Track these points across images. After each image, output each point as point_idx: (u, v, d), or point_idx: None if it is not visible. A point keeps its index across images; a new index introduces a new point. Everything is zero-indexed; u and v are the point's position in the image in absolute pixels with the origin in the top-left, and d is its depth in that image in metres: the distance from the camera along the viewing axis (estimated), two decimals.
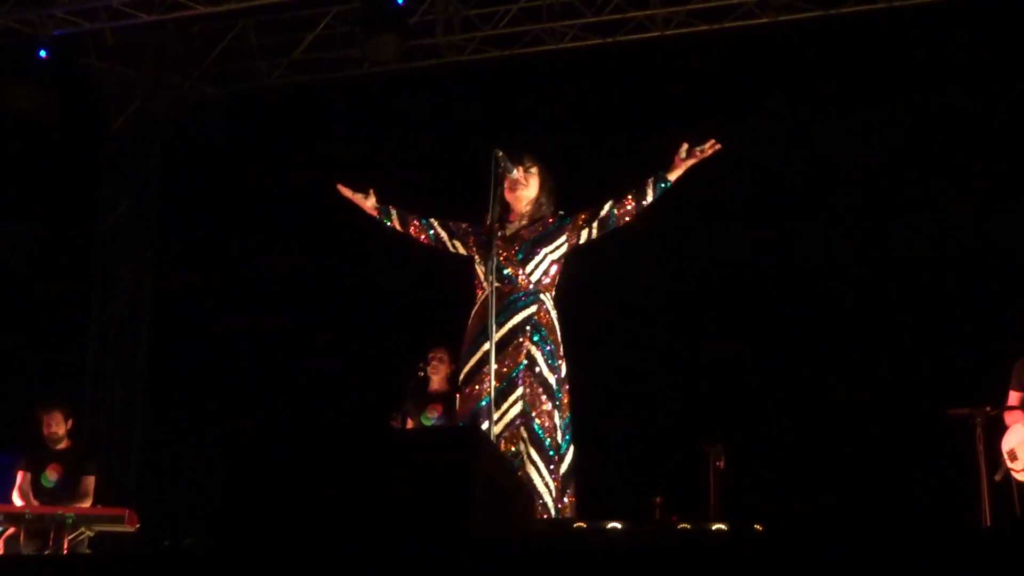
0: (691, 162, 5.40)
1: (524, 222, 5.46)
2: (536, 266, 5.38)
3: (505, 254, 5.36)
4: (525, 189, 5.44)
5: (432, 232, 5.62)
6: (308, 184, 8.99)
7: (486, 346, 5.15)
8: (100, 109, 10.06)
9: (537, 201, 5.48)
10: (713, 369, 8.33)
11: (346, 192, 5.71)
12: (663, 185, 5.40)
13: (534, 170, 5.47)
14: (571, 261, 5.47)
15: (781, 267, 8.44)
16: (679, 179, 5.43)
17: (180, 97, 10.06)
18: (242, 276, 9.84)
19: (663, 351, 8.52)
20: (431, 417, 7.14)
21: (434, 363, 7.21)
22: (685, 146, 5.40)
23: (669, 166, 5.42)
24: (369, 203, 5.70)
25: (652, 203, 5.42)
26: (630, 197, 5.41)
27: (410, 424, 7.07)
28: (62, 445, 7.59)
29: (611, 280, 7.94)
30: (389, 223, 5.70)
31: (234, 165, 9.91)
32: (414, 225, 5.66)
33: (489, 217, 5.32)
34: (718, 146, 5.40)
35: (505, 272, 5.34)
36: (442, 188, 7.73)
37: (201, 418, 9.15)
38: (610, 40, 8.91)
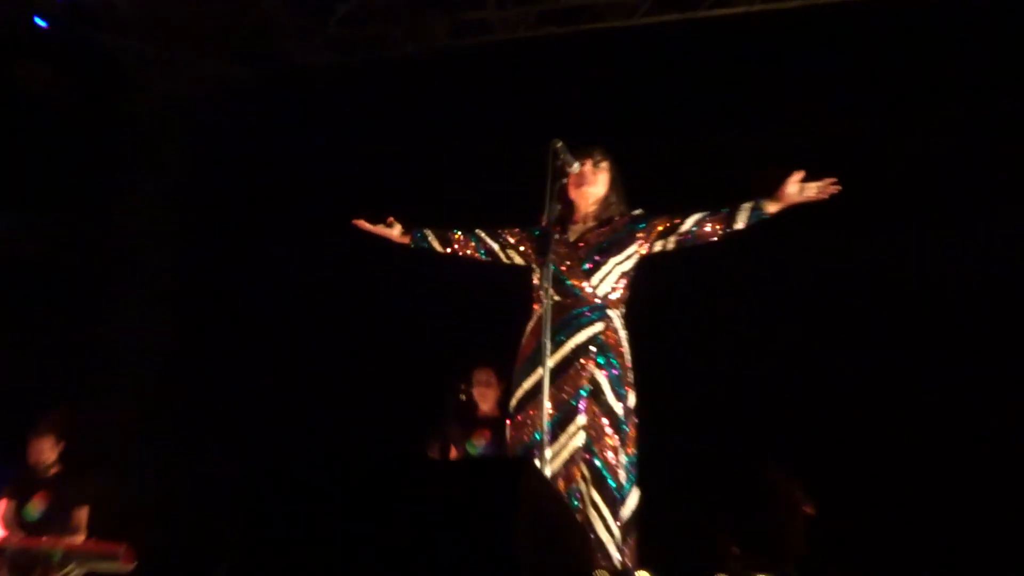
0: (800, 202, 4.90)
1: (590, 224, 5.06)
2: (603, 277, 4.93)
3: (567, 262, 4.93)
4: (593, 186, 5.07)
5: (480, 246, 5.26)
6: (343, 173, 8.86)
7: (542, 369, 4.64)
8: (119, 89, 9.62)
9: (606, 200, 5.10)
10: (791, 394, 7.67)
11: (366, 226, 5.30)
12: (760, 214, 4.93)
13: (604, 165, 5.10)
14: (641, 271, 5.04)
15: (883, 276, 7.82)
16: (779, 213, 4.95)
17: (204, 77, 9.58)
18: (271, 273, 9.37)
19: (734, 371, 7.88)
20: (478, 445, 6.75)
21: (479, 388, 6.77)
22: (799, 180, 4.86)
23: (773, 194, 4.91)
24: (395, 232, 5.29)
25: (742, 231, 4.97)
26: (720, 217, 4.96)
27: (454, 453, 6.61)
28: (52, 471, 7.11)
29: (676, 295, 7.35)
30: (427, 246, 5.29)
31: (263, 151, 9.46)
32: (458, 243, 5.27)
33: (545, 218, 4.88)
34: (836, 188, 4.88)
35: (567, 283, 4.91)
36: (493, 184, 7.49)
37: (222, 435, 8.61)
38: (687, 16, 8.10)
